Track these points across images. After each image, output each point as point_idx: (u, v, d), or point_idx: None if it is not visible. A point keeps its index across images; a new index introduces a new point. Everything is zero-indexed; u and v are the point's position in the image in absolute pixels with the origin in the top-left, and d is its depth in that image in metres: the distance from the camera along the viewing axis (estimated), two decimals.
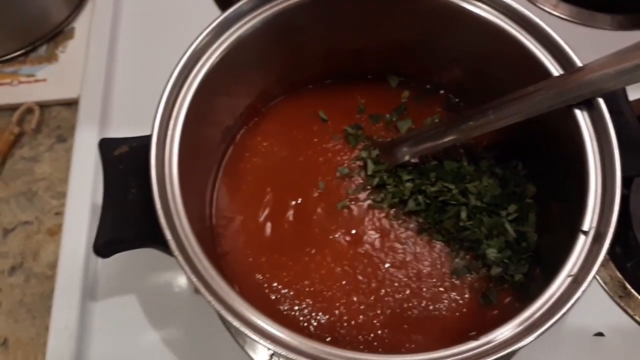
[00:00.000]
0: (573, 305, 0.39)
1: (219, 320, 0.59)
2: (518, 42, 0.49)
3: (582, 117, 0.45)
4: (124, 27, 0.75)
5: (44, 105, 0.72)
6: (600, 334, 0.57)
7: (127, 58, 0.73)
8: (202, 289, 0.40)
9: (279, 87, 0.60)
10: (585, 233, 0.42)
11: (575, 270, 0.41)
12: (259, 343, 0.38)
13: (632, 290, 0.59)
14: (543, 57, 0.48)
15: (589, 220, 0.42)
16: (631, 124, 0.47)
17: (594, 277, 0.40)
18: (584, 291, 0.39)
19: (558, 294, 0.40)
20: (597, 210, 0.42)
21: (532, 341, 0.38)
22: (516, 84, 0.48)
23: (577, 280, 0.40)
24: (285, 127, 0.60)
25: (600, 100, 0.44)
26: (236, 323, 0.39)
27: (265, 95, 0.60)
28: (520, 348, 0.38)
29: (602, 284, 0.59)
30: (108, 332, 0.59)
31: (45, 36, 0.75)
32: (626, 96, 0.48)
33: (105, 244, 0.44)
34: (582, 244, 0.42)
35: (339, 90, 0.61)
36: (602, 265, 0.59)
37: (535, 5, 0.74)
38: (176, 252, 0.41)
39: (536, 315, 0.39)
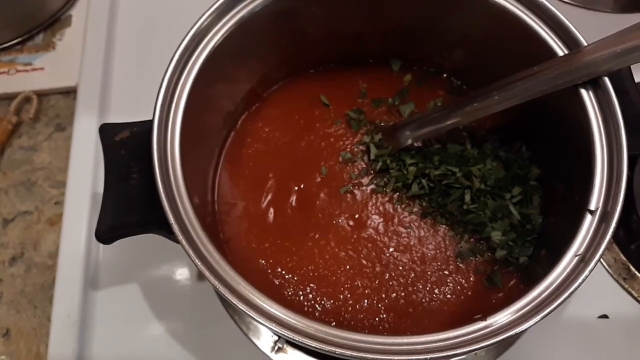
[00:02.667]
0: (580, 284, 0.39)
1: (222, 308, 0.59)
2: (522, 22, 0.48)
3: (587, 96, 0.45)
4: (121, 14, 0.74)
5: (41, 94, 0.72)
6: (604, 316, 0.57)
7: (126, 45, 0.72)
8: (207, 273, 0.39)
9: (280, 72, 0.60)
10: (592, 212, 0.42)
11: (583, 249, 0.40)
12: (265, 326, 0.38)
13: (636, 272, 0.59)
14: (548, 37, 0.47)
15: (596, 199, 0.42)
16: (636, 104, 0.47)
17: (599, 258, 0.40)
18: (591, 270, 0.39)
19: (565, 273, 0.40)
20: (604, 189, 0.42)
21: (538, 321, 0.38)
22: (520, 66, 0.47)
23: (584, 259, 0.40)
24: (286, 112, 0.60)
25: (606, 79, 0.44)
26: (242, 307, 0.38)
27: (266, 80, 0.59)
28: (528, 328, 0.38)
29: (606, 267, 0.59)
30: (110, 321, 0.59)
31: (42, 24, 0.74)
32: (632, 76, 0.48)
33: (107, 229, 0.44)
34: (588, 224, 0.41)
35: (340, 74, 0.61)
36: (606, 247, 0.59)
37: None
38: (180, 237, 0.41)
39: (543, 295, 0.39)
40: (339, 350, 0.37)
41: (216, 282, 0.39)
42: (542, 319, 0.38)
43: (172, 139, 0.45)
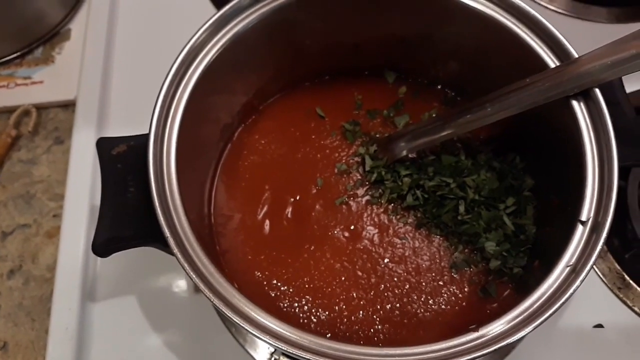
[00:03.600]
0: (571, 295, 0.39)
1: (220, 320, 0.59)
2: (514, 34, 0.49)
3: (579, 108, 0.45)
4: (120, 28, 0.75)
5: (40, 107, 0.72)
6: (599, 326, 0.58)
7: (124, 58, 0.73)
8: (202, 286, 0.40)
9: (276, 85, 0.60)
10: (584, 223, 0.42)
11: (574, 260, 0.41)
12: (260, 339, 0.38)
13: (631, 282, 0.59)
14: (539, 49, 0.48)
15: (587, 210, 0.42)
16: (627, 115, 0.47)
17: (592, 268, 0.40)
18: (582, 281, 0.39)
19: (557, 284, 0.40)
20: (595, 200, 0.42)
21: (530, 332, 0.38)
22: (513, 77, 0.48)
23: (575, 270, 0.40)
24: (282, 125, 0.60)
25: (597, 91, 0.44)
26: (236, 319, 0.39)
27: (263, 93, 0.60)
28: (520, 339, 0.38)
29: (601, 276, 0.59)
30: (108, 334, 0.59)
31: (41, 38, 0.75)
32: (623, 86, 0.48)
33: (104, 242, 0.44)
34: (580, 234, 0.42)
35: (336, 86, 0.61)
36: (601, 257, 0.60)
37: (532, 0, 0.74)
38: (175, 250, 0.41)
39: (535, 306, 0.40)
40: None
41: (211, 295, 0.39)
42: (534, 329, 0.38)
43: (168, 152, 0.45)
